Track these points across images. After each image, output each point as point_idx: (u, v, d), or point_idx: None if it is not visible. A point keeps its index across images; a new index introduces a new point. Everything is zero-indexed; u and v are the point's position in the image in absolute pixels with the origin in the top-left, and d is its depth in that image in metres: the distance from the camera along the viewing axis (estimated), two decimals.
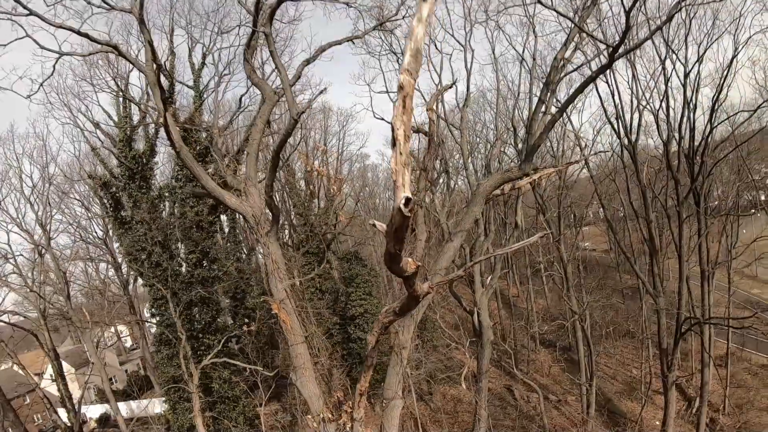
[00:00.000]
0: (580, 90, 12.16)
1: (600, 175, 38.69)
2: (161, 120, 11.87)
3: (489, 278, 28.33)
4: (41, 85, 14.26)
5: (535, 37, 24.03)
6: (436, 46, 28.88)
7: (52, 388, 41.44)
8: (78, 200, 33.16)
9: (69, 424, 33.59)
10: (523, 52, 29.25)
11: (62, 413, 44.82)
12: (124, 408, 45.96)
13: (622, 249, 33.67)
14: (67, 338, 70.01)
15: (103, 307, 43.32)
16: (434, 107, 17.41)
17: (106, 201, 28.81)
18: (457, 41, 63.77)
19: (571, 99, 12.58)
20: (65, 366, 50.24)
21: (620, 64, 31.73)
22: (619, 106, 28.86)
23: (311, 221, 45.64)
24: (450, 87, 18.54)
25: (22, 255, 36.29)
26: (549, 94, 14.69)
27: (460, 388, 43.68)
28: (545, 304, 62.92)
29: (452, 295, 30.62)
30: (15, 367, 52.14)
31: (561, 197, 41.28)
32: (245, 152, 18.96)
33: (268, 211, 13.67)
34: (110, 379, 58.35)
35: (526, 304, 56.23)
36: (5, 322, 32.68)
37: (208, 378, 28.79)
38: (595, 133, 48.55)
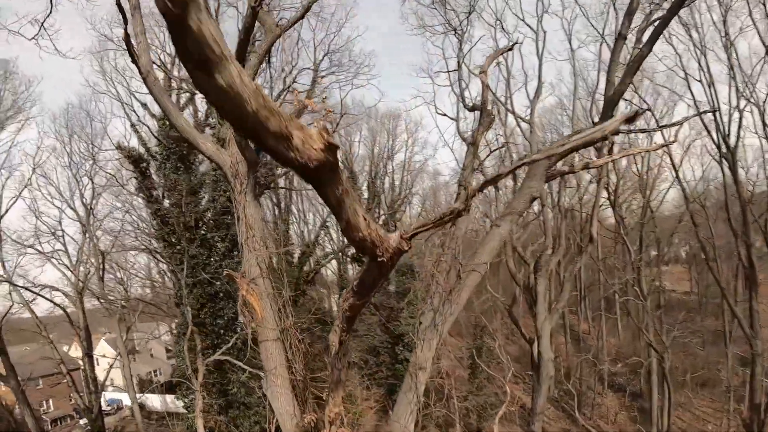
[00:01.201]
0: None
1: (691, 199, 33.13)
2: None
3: (555, 302, 23.67)
4: (42, 24, 11.65)
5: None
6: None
7: (98, 371, 39.57)
8: (120, 184, 31.03)
9: (87, 405, 31.82)
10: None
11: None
12: (159, 400, 44.01)
13: (716, 278, 28.05)
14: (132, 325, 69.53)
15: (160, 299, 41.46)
16: (488, 71, 13.70)
17: (136, 178, 26.32)
18: (528, 25, 58.96)
19: (659, 30, 8.69)
20: (111, 352, 49.16)
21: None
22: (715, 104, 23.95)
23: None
24: (510, 49, 14.69)
25: (66, 234, 34.50)
26: (630, 25, 10.55)
27: (512, 427, 38.90)
28: (617, 343, 56.69)
29: (511, 319, 26.00)
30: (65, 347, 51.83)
31: (644, 215, 36.14)
32: None
33: (240, 157, 10.11)
34: (154, 371, 57.02)
35: (597, 341, 50.37)
36: (35, 293, 31.05)
37: (225, 378, 25.54)
38: (685, 149, 42.06)
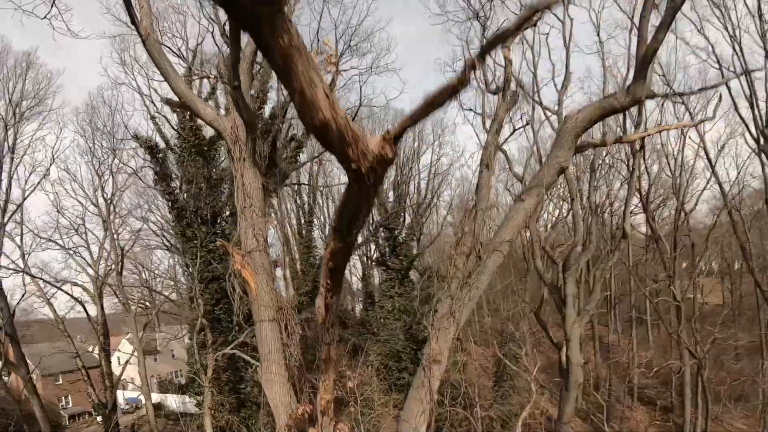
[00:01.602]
0: None
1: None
2: None
3: (585, 304, 22.26)
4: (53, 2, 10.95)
5: None
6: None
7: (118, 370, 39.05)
8: (140, 178, 30.40)
9: (99, 400, 31.23)
10: None
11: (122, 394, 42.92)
12: (178, 401, 43.32)
13: (758, 282, 26.16)
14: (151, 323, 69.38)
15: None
16: (510, 46, 12.67)
17: (153, 169, 25.62)
18: (554, 15, 57.14)
19: None
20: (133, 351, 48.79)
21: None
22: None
23: (395, 235, 41.26)
24: (535, 23, 13.48)
25: (88, 230, 34.04)
26: None
27: None
28: (648, 356, 54.30)
29: (538, 323, 24.58)
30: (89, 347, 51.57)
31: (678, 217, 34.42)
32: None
33: (239, 120, 9.12)
34: (175, 372, 56.48)
35: (627, 354, 48.23)
36: (55, 286, 30.69)
37: (237, 376, 24.64)
38: (719, 148, 39.66)
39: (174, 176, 25.65)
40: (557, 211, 44.00)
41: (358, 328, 38.20)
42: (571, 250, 21.49)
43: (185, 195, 25.55)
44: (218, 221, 26.04)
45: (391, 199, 41.87)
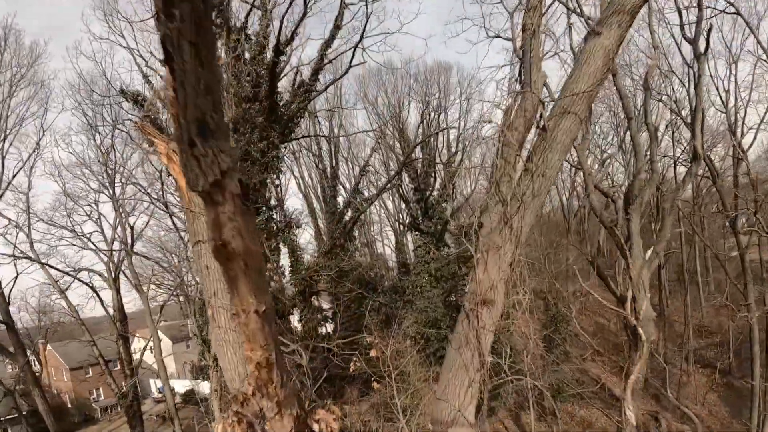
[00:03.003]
0: None
1: None
2: None
3: (654, 243, 18.09)
4: None
5: None
6: None
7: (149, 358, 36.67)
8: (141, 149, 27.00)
9: (118, 389, 28.69)
10: None
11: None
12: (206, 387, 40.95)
13: None
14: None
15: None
16: None
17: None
18: None
19: None
20: (166, 341, 46.53)
21: None
22: None
23: (426, 195, 37.47)
24: None
25: (103, 216, 31.13)
26: None
27: (592, 410, 33.28)
28: (700, 318, 49.69)
29: (597, 274, 20.49)
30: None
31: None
32: None
33: None
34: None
35: (683, 314, 43.65)
36: (65, 272, 27.98)
37: None
38: None
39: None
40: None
41: (390, 295, 34.57)
42: (634, 180, 17.39)
43: None
44: None
45: (420, 158, 37.96)
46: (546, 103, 6.31)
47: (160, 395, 45.85)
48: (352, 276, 29.68)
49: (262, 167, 20.24)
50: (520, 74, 7.94)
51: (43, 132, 27.45)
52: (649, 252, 18.56)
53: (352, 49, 18.17)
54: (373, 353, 14.66)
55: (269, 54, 21.17)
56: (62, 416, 37.39)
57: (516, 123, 6.64)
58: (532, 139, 6.27)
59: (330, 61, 20.99)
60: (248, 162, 20.68)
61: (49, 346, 46.42)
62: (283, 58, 21.53)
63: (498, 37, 21.22)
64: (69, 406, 45.33)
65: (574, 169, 51.83)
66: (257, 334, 2.90)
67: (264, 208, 21.98)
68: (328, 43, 21.06)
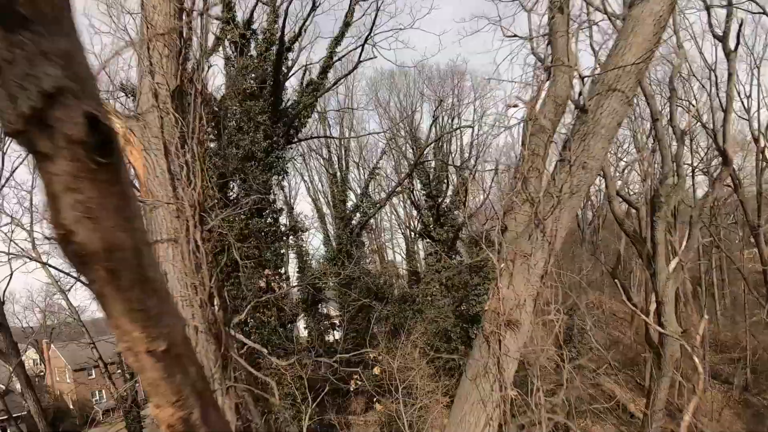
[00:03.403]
0: None
1: None
2: None
3: (683, 247, 16.82)
4: None
5: None
6: None
7: None
8: None
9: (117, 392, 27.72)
10: None
11: None
12: None
13: None
14: None
15: None
16: None
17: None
18: None
19: None
20: None
21: None
22: None
23: (438, 202, 36.29)
24: None
25: None
26: None
27: (606, 426, 31.75)
28: (715, 330, 48.08)
29: (617, 285, 19.20)
30: None
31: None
32: None
33: None
34: None
35: (698, 327, 41.95)
36: (65, 272, 27.10)
37: (252, 363, 20.17)
38: None
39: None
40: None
41: (399, 304, 33.31)
42: (660, 184, 16.14)
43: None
44: (230, 185, 21.54)
45: (433, 164, 36.76)
46: (584, 80, 5.19)
47: None
48: (359, 284, 28.51)
49: (265, 167, 19.21)
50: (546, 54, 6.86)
51: None
52: (674, 263, 17.31)
53: (361, 44, 17.14)
54: (376, 371, 13.52)
55: (276, 49, 20.23)
56: (63, 418, 36.56)
57: (546, 107, 5.52)
58: (570, 123, 5.17)
59: (339, 59, 20.04)
60: (252, 162, 19.69)
61: (53, 347, 45.69)
62: (291, 55, 20.58)
63: (515, 36, 20.11)
64: (71, 407, 44.50)
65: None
66: (160, 384, 1.76)
67: (268, 210, 20.93)
68: (337, 41, 20.10)
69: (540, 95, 5.70)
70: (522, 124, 5.96)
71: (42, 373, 49.11)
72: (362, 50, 16.57)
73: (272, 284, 19.59)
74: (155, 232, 4.60)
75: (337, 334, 33.38)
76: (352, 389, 17.26)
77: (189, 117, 4.92)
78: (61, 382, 48.28)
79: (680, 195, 18.08)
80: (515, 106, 5.64)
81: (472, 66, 79.34)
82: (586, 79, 5.07)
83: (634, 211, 22.04)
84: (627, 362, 40.29)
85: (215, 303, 4.74)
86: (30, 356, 55.11)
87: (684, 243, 17.85)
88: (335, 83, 20.23)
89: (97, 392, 45.04)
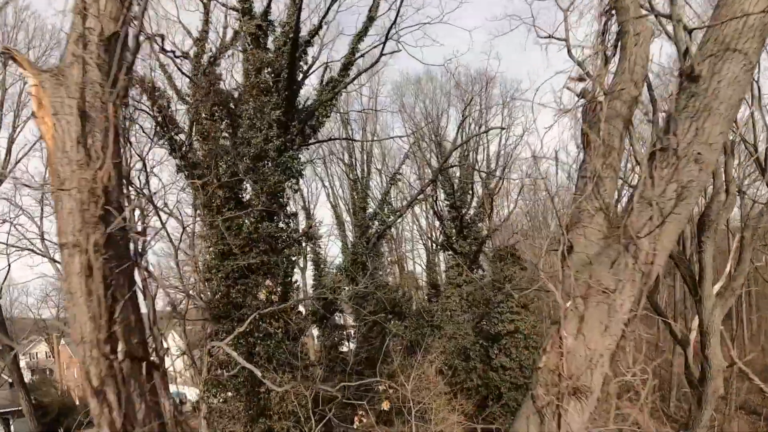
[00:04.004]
0: None
1: None
2: None
3: (729, 280, 14.91)
4: None
5: None
6: None
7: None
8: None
9: None
10: None
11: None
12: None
13: None
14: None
15: None
16: None
17: (155, 118, 19.85)
18: None
19: None
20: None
21: None
22: None
23: (462, 213, 34.64)
24: None
25: None
26: None
27: None
28: (740, 355, 45.52)
29: (652, 308, 17.28)
30: None
31: None
32: None
33: None
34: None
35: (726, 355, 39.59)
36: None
37: (257, 379, 18.69)
38: None
39: (180, 128, 19.77)
40: None
41: (417, 319, 31.56)
42: (711, 201, 14.31)
43: (199, 152, 19.72)
44: (243, 186, 20.01)
45: (457, 174, 35.13)
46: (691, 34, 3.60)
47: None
48: (375, 296, 26.86)
49: (278, 167, 17.79)
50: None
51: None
52: (718, 286, 15.41)
53: (384, 38, 15.64)
54: (385, 406, 12.00)
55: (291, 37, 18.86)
56: (68, 414, 35.57)
57: (621, 79, 3.94)
58: (671, 96, 3.60)
59: (362, 55, 18.57)
60: (264, 161, 18.29)
61: (62, 341, 44.94)
62: (311, 51, 19.20)
63: (551, 37, 18.46)
64: (77, 403, 43.57)
65: None
66: None
67: (281, 215, 19.50)
68: (360, 36, 18.66)
69: (608, 65, 4.14)
70: (582, 109, 4.36)
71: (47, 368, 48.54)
72: (384, 44, 15.11)
73: (272, 296, 18.11)
74: (65, 204, 3.11)
75: (352, 344, 31.86)
76: (356, 425, 15.71)
77: (115, 68, 3.46)
78: (68, 378, 47.50)
79: (730, 212, 16.18)
80: (581, 80, 4.10)
81: (504, 66, 76.18)
82: (692, 35, 3.51)
83: None
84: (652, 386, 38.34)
85: (119, 347, 3.20)
86: (42, 349, 54.68)
87: (731, 266, 15.96)
88: (356, 76, 18.75)
89: None
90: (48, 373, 54.61)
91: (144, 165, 11.04)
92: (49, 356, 50.25)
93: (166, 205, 25.14)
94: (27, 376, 58.01)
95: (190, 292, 16.93)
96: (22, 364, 59.10)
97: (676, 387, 36.72)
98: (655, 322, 44.70)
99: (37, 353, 60.00)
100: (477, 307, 32.70)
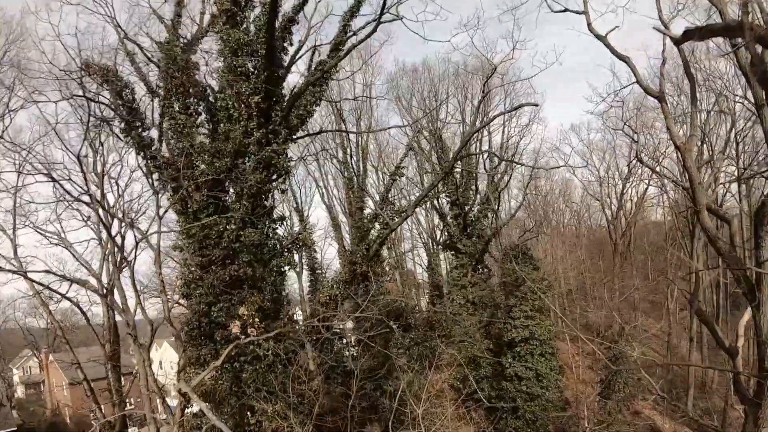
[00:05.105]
0: None
1: None
2: None
3: None
4: None
5: None
6: None
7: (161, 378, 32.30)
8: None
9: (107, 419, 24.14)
10: None
11: None
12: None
13: None
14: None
15: None
16: None
17: (119, 113, 17.16)
18: None
19: None
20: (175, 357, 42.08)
21: None
22: None
23: (465, 211, 32.19)
24: None
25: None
26: None
27: None
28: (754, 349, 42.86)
29: (698, 316, 14.81)
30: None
31: None
32: None
33: None
34: None
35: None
36: (44, 286, 23.37)
37: (244, 409, 16.20)
38: None
39: (147, 125, 17.13)
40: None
41: (423, 330, 29.09)
42: None
43: (173, 142, 17.08)
44: (226, 185, 17.31)
45: (459, 168, 32.65)
46: None
47: (166, 416, 41.29)
48: (377, 304, 24.23)
49: (259, 164, 15.21)
50: None
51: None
52: None
53: (380, 11, 13.06)
54: None
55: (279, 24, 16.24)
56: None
57: None
58: None
59: (354, 33, 16.01)
60: (244, 158, 15.74)
61: (51, 357, 42.45)
62: (297, 33, 16.62)
63: (566, 10, 15.87)
64: (68, 421, 41.14)
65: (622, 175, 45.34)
66: None
67: (266, 220, 16.92)
68: (352, 12, 16.13)
69: None
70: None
71: (42, 381, 46.00)
72: (383, 9, 12.54)
73: (257, 315, 15.48)
74: None
75: (354, 350, 29.36)
76: None
77: None
78: (59, 395, 45.03)
79: None
80: None
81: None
82: None
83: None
84: (666, 385, 35.80)
85: None
86: (36, 363, 52.08)
87: None
88: (348, 51, 16.12)
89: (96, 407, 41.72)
90: (42, 385, 52.28)
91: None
92: (43, 370, 47.80)
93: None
94: (20, 391, 55.54)
95: (165, 313, 14.39)
96: (16, 378, 56.57)
97: (693, 386, 34.18)
98: (662, 315, 42.23)
99: (30, 367, 57.48)
100: (484, 309, 30.40)
